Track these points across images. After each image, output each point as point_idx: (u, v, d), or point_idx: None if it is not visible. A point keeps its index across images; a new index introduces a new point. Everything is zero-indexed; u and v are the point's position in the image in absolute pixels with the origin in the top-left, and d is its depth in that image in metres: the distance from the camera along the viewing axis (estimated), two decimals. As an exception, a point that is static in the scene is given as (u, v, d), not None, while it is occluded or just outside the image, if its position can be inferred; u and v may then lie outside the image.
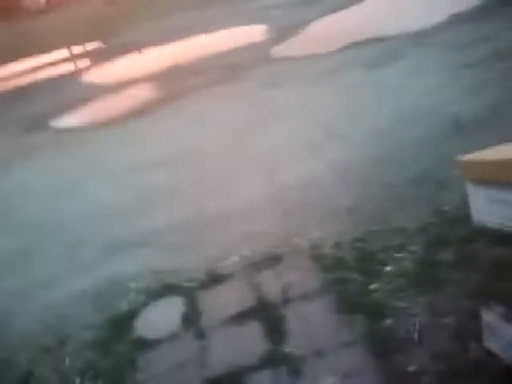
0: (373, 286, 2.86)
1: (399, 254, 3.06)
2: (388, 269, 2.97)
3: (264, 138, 5.77)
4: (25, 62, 19.15)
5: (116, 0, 40.09)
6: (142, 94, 9.74)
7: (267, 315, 2.90)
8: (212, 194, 4.74)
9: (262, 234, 3.74)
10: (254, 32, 12.56)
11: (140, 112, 8.41)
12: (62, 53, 19.28)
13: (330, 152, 4.89)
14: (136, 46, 15.36)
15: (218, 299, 3.14)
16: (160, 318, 3.18)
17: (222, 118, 6.89)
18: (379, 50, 7.94)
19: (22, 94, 13.49)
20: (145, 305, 3.37)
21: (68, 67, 15.32)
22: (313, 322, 2.75)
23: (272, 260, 3.36)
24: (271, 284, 3.13)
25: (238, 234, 3.83)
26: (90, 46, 19.05)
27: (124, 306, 3.42)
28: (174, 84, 9.62)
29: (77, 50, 18.94)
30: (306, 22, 11.71)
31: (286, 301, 2.97)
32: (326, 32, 10.81)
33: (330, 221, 3.67)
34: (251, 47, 10.98)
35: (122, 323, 3.24)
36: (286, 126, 5.93)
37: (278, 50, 10.01)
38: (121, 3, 36.38)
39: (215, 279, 3.34)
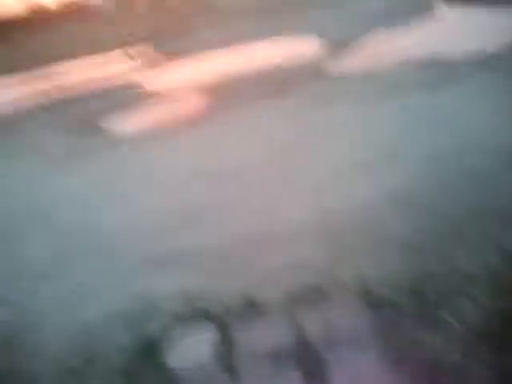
0: (428, 336, 2.52)
1: (460, 301, 2.71)
2: (447, 317, 2.63)
3: (313, 156, 5.50)
4: (82, 61, 19.67)
5: (174, 7, 41.06)
6: (193, 103, 9.67)
7: (306, 357, 2.62)
8: (255, 213, 4.51)
9: (305, 262, 3.46)
10: (311, 46, 12.35)
11: (190, 121, 8.32)
12: (119, 54, 19.72)
13: (383, 176, 4.56)
14: (191, 54, 15.46)
15: (252, 333, 2.88)
16: (190, 347, 2.95)
17: (271, 133, 6.68)
18: (438, 72, 7.58)
19: (79, 94, 13.77)
20: (176, 330, 3.16)
21: (123, 69, 15.57)
22: (356, 371, 2.45)
23: (315, 294, 3.07)
24: (313, 322, 2.84)
25: (279, 261, 3.57)
26: (147, 50, 19.40)
27: (155, 328, 3.23)
28: (226, 95, 9.49)
29: (134, 53, 19.30)
30: (364, 40, 11.42)
31: (329, 343, 2.68)
32: (383, 50, 10.46)
33: (381, 254, 3.35)
34: (306, 61, 10.77)
35: (152, 349, 3.05)
36: (337, 145, 5.64)
37: (334, 66, 9.74)
38: (179, 10, 37.15)
39: (252, 310, 3.08)
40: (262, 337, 2.79)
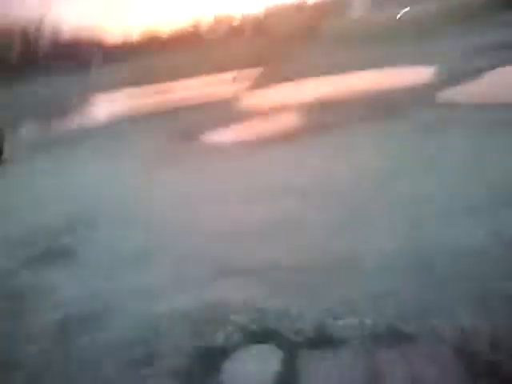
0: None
1: None
2: None
3: (411, 185, 5.03)
4: (193, 80, 20.82)
5: (281, 38, 42.17)
6: (293, 121, 9.62)
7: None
8: (340, 234, 4.16)
9: (392, 298, 3.05)
10: (423, 74, 11.82)
11: (284, 138, 8.25)
12: (226, 75, 20.54)
13: (498, 220, 3.94)
14: (295, 76, 15.60)
15: (322, 366, 2.54)
16: (252, 369, 2.69)
17: (367, 156, 6.31)
18: None
19: (184, 106, 14.51)
20: (240, 345, 2.92)
21: (228, 88, 16.13)
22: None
23: (399, 337, 2.65)
24: (393, 368, 2.43)
25: (362, 290, 3.20)
26: (253, 72, 19.96)
27: (219, 339, 3.01)
28: (325, 115, 9.33)
29: (239, 74, 19.98)
30: (478, 72, 10.67)
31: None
32: (498, 83, 9.78)
33: (486, 307, 2.83)
34: (417, 88, 10.26)
35: (212, 360, 2.83)
36: (440, 177, 5.11)
37: (443, 95, 9.14)
38: (284, 36, 38.04)
39: (324, 340, 2.74)
40: (332, 373, 2.44)
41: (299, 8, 48.33)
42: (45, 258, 4.82)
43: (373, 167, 5.84)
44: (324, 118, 9.09)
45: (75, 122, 17.82)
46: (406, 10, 48.56)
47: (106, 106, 19.10)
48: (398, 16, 47.46)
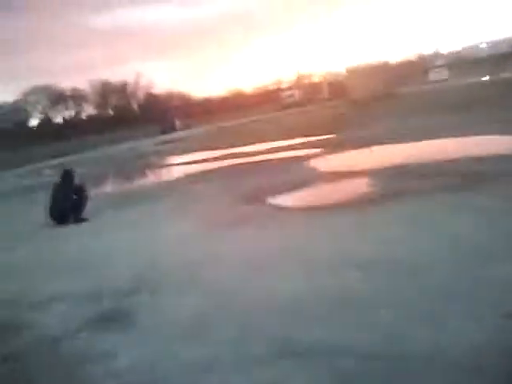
0: None
1: None
2: None
3: (504, 269, 4.46)
4: (268, 144, 21.30)
5: (359, 100, 42.58)
6: (362, 187, 9.34)
7: None
8: (411, 320, 3.75)
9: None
10: (506, 144, 11.16)
11: (352, 204, 7.97)
12: (300, 140, 20.80)
13: None
14: (368, 142, 15.40)
15: None
16: None
17: (446, 229, 5.84)
18: None
19: (255, 168, 14.71)
20: None
21: (299, 153, 16.22)
22: None
23: None
24: None
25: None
26: (326, 137, 20.06)
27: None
28: (396, 183, 8.96)
29: (312, 139, 20.15)
30: None
31: None
32: None
33: None
34: (496, 159, 9.63)
35: None
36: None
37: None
38: (365, 103, 38.29)
39: None
40: None
41: (380, 68, 48.76)
42: (104, 321, 4.79)
43: (452, 243, 5.36)
44: (395, 186, 8.73)
45: (149, 180, 18.64)
46: (486, 78, 47.52)
47: (180, 167, 19.89)
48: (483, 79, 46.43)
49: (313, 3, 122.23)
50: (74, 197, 10.56)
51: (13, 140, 57.96)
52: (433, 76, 74.07)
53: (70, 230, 9.94)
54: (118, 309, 5.03)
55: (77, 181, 11.12)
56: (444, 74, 73.69)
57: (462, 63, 78.35)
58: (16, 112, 73.13)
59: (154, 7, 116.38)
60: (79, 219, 10.48)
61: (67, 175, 10.88)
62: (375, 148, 14.66)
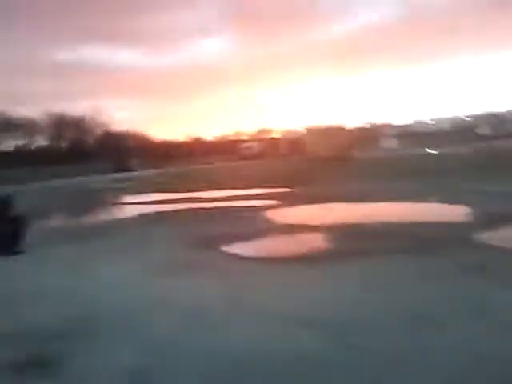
0: None
1: None
2: None
3: (460, 337, 4.34)
4: (224, 192, 21.17)
5: (316, 159, 43.71)
6: (317, 242, 9.27)
7: None
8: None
9: None
10: (459, 213, 11.55)
11: (304, 259, 7.84)
12: (256, 191, 20.82)
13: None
14: (323, 199, 15.57)
15: None
16: None
17: (399, 295, 5.74)
18: None
19: (211, 214, 14.46)
20: None
21: (256, 203, 16.15)
22: None
23: None
24: None
25: None
26: (282, 190, 20.18)
27: None
28: (349, 241, 8.96)
29: (269, 191, 20.21)
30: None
31: None
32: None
33: None
34: (452, 227, 9.89)
35: None
36: (492, 332, 4.43)
37: (481, 237, 8.69)
38: (321, 162, 39.31)
39: None
40: None
41: (337, 131, 50.94)
42: (25, 366, 4.25)
43: (405, 309, 5.24)
44: (351, 245, 8.71)
45: (99, 217, 17.91)
46: (433, 151, 50.19)
47: (133, 207, 19.31)
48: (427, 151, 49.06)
49: (278, 65, 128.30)
50: (11, 227, 9.84)
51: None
52: (384, 144, 77.98)
53: (1, 262, 9.17)
54: (43, 354, 4.50)
55: (17, 211, 10.43)
56: (394, 143, 77.93)
57: (410, 135, 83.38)
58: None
59: (125, 49, 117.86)
60: (15, 251, 9.73)
61: (2, 203, 10.18)
62: (330, 205, 14.84)
